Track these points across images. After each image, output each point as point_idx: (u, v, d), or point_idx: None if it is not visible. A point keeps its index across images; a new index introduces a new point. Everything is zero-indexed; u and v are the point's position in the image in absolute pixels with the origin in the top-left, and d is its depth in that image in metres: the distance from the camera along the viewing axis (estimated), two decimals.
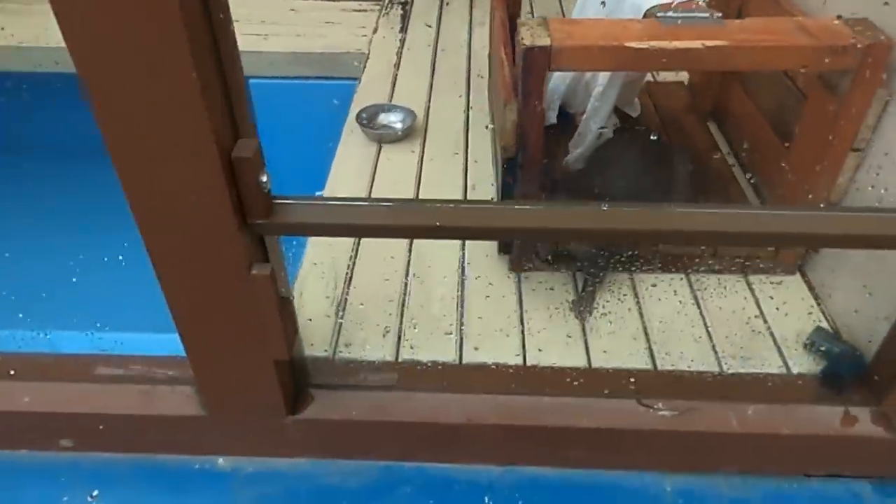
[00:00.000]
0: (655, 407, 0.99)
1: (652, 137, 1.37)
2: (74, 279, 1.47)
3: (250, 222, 0.77)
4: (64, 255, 1.57)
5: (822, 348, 1.05)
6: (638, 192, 1.21)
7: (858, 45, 0.94)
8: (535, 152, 1.06)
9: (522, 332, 1.15)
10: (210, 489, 1.04)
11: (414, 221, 0.77)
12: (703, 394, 1.01)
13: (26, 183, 2.49)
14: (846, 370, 1.01)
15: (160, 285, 0.83)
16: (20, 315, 1.31)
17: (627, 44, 0.94)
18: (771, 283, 1.24)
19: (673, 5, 1.04)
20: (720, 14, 1.00)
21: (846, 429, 0.97)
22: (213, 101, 0.68)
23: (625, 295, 1.21)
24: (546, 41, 0.96)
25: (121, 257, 1.28)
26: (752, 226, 0.77)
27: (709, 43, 0.93)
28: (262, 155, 0.75)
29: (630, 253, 1.20)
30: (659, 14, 1.01)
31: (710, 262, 1.24)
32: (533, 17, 1.68)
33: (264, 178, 0.74)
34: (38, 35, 2.21)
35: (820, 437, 0.97)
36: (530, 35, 0.97)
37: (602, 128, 1.39)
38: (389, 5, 2.53)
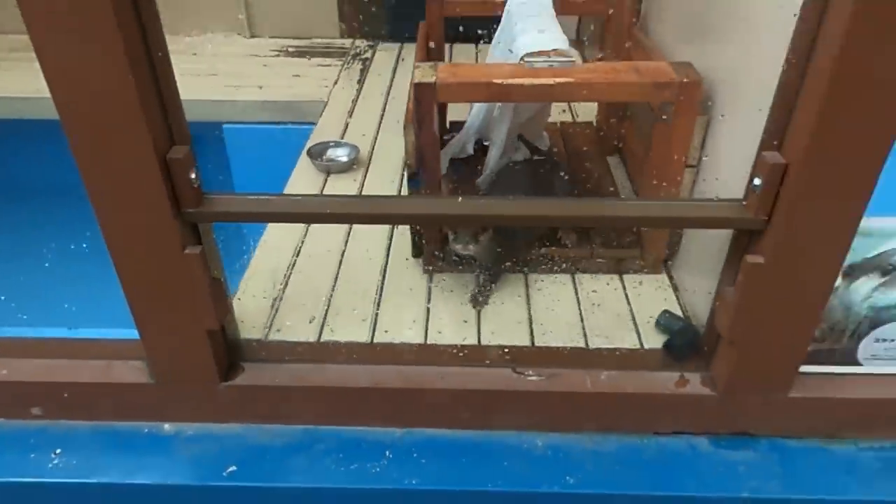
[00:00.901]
0: (526, 373, 1.20)
1: (544, 167, 1.62)
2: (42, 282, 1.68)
3: (183, 211, 1.00)
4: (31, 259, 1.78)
5: (665, 325, 1.27)
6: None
7: (675, 82, 1.19)
8: (432, 169, 1.30)
9: (427, 319, 1.37)
10: (155, 450, 1.22)
11: (310, 209, 1.00)
12: (566, 363, 1.22)
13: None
14: (683, 342, 1.23)
15: (115, 267, 1.05)
16: None
17: (494, 80, 1.20)
18: (640, 280, 1.46)
19: (540, 53, 1.30)
20: (573, 59, 1.26)
21: (680, 389, 1.18)
22: (152, 117, 0.91)
23: (517, 292, 1.44)
24: (432, 79, 1.21)
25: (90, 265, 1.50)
26: (569, 210, 1.01)
27: (558, 80, 1.18)
28: (194, 157, 0.98)
29: (524, 256, 1.43)
30: (527, 59, 1.27)
31: (589, 263, 1.47)
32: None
33: (193, 176, 0.98)
34: None
35: (659, 395, 1.18)
36: (421, 74, 1.23)
37: (508, 156, 1.65)
38: (351, 61, 2.83)
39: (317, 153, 1.99)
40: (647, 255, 1.46)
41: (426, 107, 1.23)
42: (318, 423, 1.24)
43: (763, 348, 1.10)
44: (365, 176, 1.93)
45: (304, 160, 2.01)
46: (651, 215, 1.03)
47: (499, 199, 1.05)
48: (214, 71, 2.64)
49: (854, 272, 1.08)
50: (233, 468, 1.18)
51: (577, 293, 1.44)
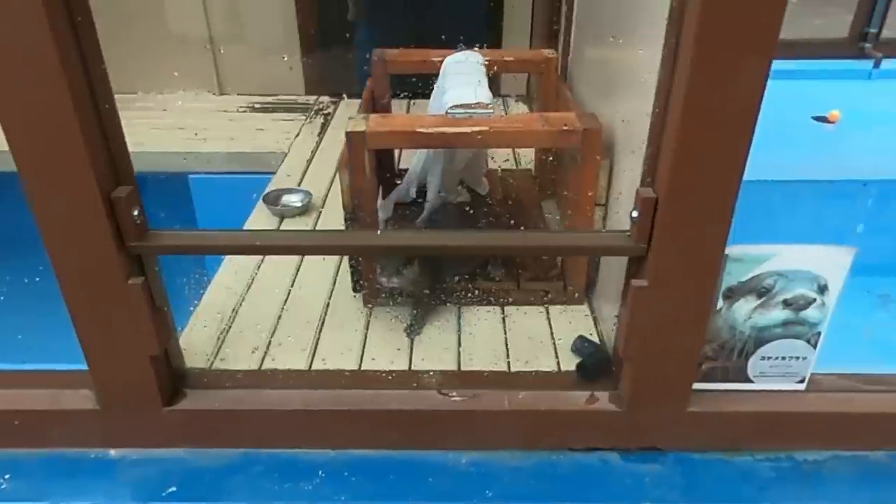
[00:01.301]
0: (450, 395, 1.30)
1: (476, 209, 1.76)
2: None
3: (127, 245, 1.10)
4: None
5: (579, 349, 1.38)
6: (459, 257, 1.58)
7: (578, 130, 1.34)
8: (366, 209, 1.43)
9: (363, 347, 1.47)
10: (100, 474, 1.29)
11: (240, 242, 1.11)
12: (487, 384, 1.32)
13: None
14: (594, 364, 1.34)
15: (63, 297, 1.15)
16: None
17: (418, 129, 1.34)
18: (563, 310, 1.58)
19: (463, 105, 1.45)
20: (491, 111, 1.41)
21: (590, 406, 1.29)
22: (97, 159, 1.03)
23: (448, 321, 1.54)
24: (363, 128, 1.35)
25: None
26: (474, 241, 1.13)
27: (474, 129, 1.33)
28: (138, 196, 1.09)
29: (456, 291, 1.55)
30: (449, 111, 1.42)
31: (518, 296, 1.59)
32: None
33: (136, 212, 1.09)
34: None
35: (571, 412, 1.29)
36: (353, 125, 1.37)
37: (449, 199, 1.79)
38: (313, 115, 3.00)
39: (272, 199, 2.11)
40: (569, 287, 1.58)
41: (357, 153, 1.36)
42: (255, 446, 1.32)
43: (657, 365, 1.22)
44: (317, 220, 2.05)
45: (260, 206, 2.13)
46: (550, 244, 1.16)
47: (407, 231, 1.18)
48: (183, 125, 2.78)
49: (733, 294, 1.20)
50: (173, 489, 1.25)
51: (504, 322, 1.56)
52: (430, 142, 1.37)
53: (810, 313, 1.22)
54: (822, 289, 1.20)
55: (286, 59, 3.01)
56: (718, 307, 1.21)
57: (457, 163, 1.70)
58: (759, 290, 1.20)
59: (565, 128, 1.34)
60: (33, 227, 1.07)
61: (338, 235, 1.18)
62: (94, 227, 1.06)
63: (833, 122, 3.28)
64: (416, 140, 1.36)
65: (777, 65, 3.05)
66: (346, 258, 1.64)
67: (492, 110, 1.41)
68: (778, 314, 1.22)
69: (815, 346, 1.26)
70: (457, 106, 1.47)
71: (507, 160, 2.34)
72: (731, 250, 1.15)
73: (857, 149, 3.01)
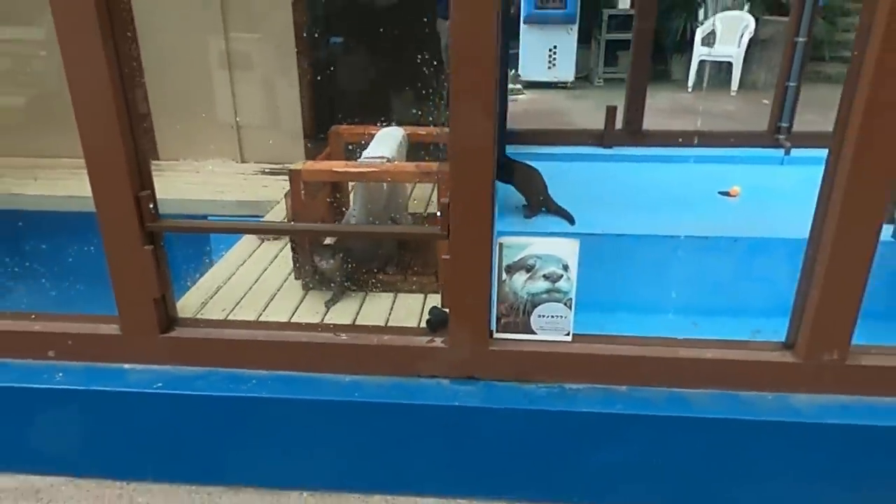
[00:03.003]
0: (340, 335, 2.02)
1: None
2: None
3: (146, 225, 1.90)
4: None
5: (431, 313, 2.08)
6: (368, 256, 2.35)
7: (435, 170, 2.11)
8: (301, 219, 2.20)
9: (294, 311, 2.21)
10: (120, 379, 2.03)
11: (216, 226, 1.89)
12: (365, 332, 2.04)
13: None
14: (436, 319, 2.03)
15: (106, 258, 1.93)
16: None
17: (333, 168, 2.13)
18: (435, 296, 2.29)
19: (371, 156, 2.24)
20: (385, 160, 2.19)
21: (429, 344, 1.98)
22: (133, 175, 1.84)
23: (355, 299, 2.28)
24: (300, 167, 2.15)
25: None
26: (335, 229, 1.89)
27: (363, 169, 2.11)
28: (154, 195, 1.89)
29: (362, 276, 2.30)
30: (360, 160, 2.22)
31: (408, 285, 2.31)
32: None
33: (151, 206, 1.89)
34: None
35: (417, 348, 1.98)
36: (295, 166, 2.17)
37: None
38: None
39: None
40: (441, 281, 2.30)
41: (296, 184, 2.15)
42: (216, 366, 2.05)
43: (465, 314, 1.91)
44: (283, 245, 2.84)
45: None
46: (384, 232, 1.90)
47: (316, 224, 1.94)
48: (209, 183, 3.67)
49: (511, 270, 1.91)
50: (160, 384, 1.98)
51: (393, 304, 2.27)
52: (342, 177, 2.15)
53: (562, 284, 1.91)
54: (566, 268, 1.90)
55: (292, 138, 3.92)
56: (503, 279, 1.92)
57: (375, 199, 2.47)
58: (527, 266, 1.90)
59: (427, 170, 2.10)
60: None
61: (286, 225, 1.95)
62: (127, 213, 1.86)
63: (734, 196, 3.98)
64: (334, 175, 2.14)
65: (705, 151, 4.10)
66: (291, 256, 2.41)
67: (384, 161, 2.20)
68: (541, 284, 1.92)
69: (570, 308, 1.94)
70: (367, 157, 2.27)
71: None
72: (504, 239, 1.88)
73: (743, 215, 3.70)
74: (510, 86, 8.82)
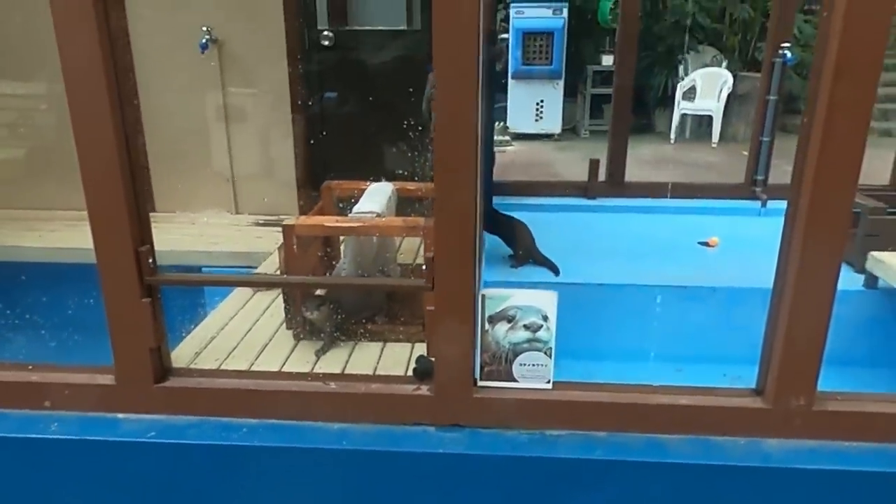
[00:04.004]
0: (328, 383, 2.09)
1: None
2: None
3: (144, 279, 1.98)
4: None
5: (418, 362, 2.16)
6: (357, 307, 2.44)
7: (421, 225, 2.23)
8: (294, 272, 2.30)
9: (286, 360, 2.28)
10: (114, 429, 2.08)
11: (208, 279, 1.98)
12: (355, 380, 2.11)
13: None
14: (423, 368, 2.10)
15: (105, 308, 2.01)
16: None
17: (324, 223, 2.24)
18: (422, 345, 2.38)
19: (361, 211, 2.35)
20: (374, 215, 2.31)
21: (415, 392, 2.05)
22: (135, 233, 1.94)
23: (347, 349, 2.35)
24: (293, 223, 2.26)
25: None
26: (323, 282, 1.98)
27: (352, 224, 2.22)
28: (153, 250, 1.99)
29: (351, 327, 2.38)
30: (351, 214, 2.33)
31: (396, 335, 2.40)
32: None
33: (150, 260, 1.98)
34: None
35: (404, 396, 2.05)
36: (288, 221, 2.28)
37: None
38: None
39: None
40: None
41: (289, 238, 2.25)
42: (208, 415, 2.10)
43: (450, 363, 2.00)
44: (276, 295, 2.93)
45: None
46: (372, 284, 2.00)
47: (307, 277, 2.04)
48: (203, 234, 3.77)
49: (494, 320, 2.00)
50: (153, 433, 2.03)
51: (382, 350, 2.35)
52: (333, 231, 2.25)
53: (542, 334, 2.01)
54: (546, 318, 2.00)
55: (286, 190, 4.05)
56: (486, 329, 2.01)
57: (365, 253, 2.57)
58: (508, 317, 2.00)
59: (413, 225, 2.21)
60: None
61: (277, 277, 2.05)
62: (127, 267, 1.95)
63: (713, 247, 4.12)
64: (325, 230, 2.25)
65: (685, 202, 4.29)
66: (283, 307, 2.49)
67: (374, 215, 2.31)
68: (522, 334, 2.01)
69: (550, 357, 2.03)
70: (358, 212, 2.39)
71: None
72: (486, 291, 1.98)
73: (722, 265, 3.83)
74: (499, 137, 9.10)
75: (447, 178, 1.82)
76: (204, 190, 4.14)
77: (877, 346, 3.36)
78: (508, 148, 9.02)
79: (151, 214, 3.76)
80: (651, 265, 3.79)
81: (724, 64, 9.39)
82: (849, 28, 1.57)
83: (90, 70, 1.78)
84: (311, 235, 2.39)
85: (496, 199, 4.98)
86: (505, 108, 9.51)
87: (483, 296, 1.97)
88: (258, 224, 4.01)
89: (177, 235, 3.71)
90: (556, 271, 3.54)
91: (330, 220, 2.29)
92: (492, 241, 3.88)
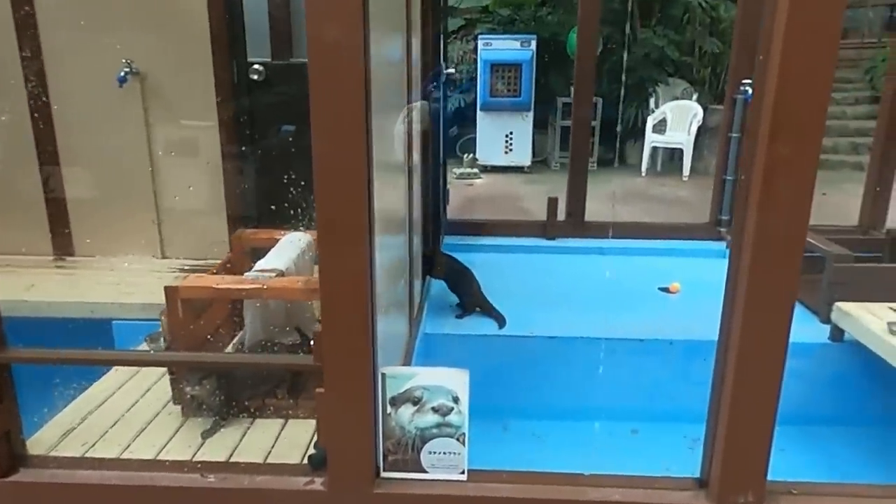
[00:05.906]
0: (206, 476, 1.78)
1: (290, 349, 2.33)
2: None
3: None
4: None
5: (315, 449, 1.86)
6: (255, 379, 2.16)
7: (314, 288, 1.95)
8: (180, 340, 2.00)
9: (166, 444, 1.97)
10: None
11: (74, 356, 1.68)
12: (240, 471, 1.80)
13: None
14: (318, 458, 1.81)
15: None
16: None
17: (213, 285, 1.95)
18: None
19: (262, 270, 2.07)
20: (274, 274, 2.03)
21: (307, 487, 1.75)
22: None
23: (238, 428, 2.05)
24: (178, 284, 1.97)
25: None
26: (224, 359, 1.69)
27: (246, 287, 1.94)
28: (1, 322, 1.69)
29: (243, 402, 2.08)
30: (248, 273, 2.05)
31: (297, 411, 2.10)
32: None
33: None
34: None
35: (295, 491, 1.75)
36: (173, 281, 1.99)
37: (274, 340, 2.37)
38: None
39: (155, 338, 2.69)
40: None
41: (173, 301, 1.96)
42: None
43: (346, 453, 1.70)
44: None
45: (143, 345, 2.71)
46: (268, 363, 1.71)
47: (193, 353, 1.75)
48: (119, 282, 3.45)
49: (397, 402, 1.72)
50: None
51: (281, 429, 2.05)
52: (223, 295, 1.97)
53: (452, 418, 1.72)
54: (457, 400, 1.72)
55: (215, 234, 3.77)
56: (389, 412, 1.73)
57: (268, 316, 2.28)
58: (413, 399, 1.72)
59: (312, 287, 1.95)
60: None
61: (149, 356, 1.75)
62: None
63: (674, 293, 3.88)
64: (215, 293, 1.97)
65: (648, 243, 3.96)
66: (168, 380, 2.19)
67: (273, 275, 2.03)
68: (430, 418, 1.72)
69: (463, 444, 1.74)
70: (258, 269, 2.11)
71: None
72: (386, 369, 1.70)
73: (682, 313, 3.58)
74: (466, 170, 8.89)
75: (332, 241, 1.55)
76: (128, 233, 3.82)
77: (841, 403, 3.11)
78: (476, 181, 8.80)
79: (69, 259, 3.37)
80: (608, 314, 3.53)
81: (695, 97, 9.31)
82: (786, 79, 1.33)
83: None
84: (201, 298, 2.10)
85: (451, 240, 4.75)
86: (474, 140, 9.34)
87: (383, 374, 1.69)
88: (183, 270, 3.70)
89: (90, 284, 3.38)
90: (502, 322, 3.27)
91: (222, 282, 2.01)
92: (437, 287, 3.62)
